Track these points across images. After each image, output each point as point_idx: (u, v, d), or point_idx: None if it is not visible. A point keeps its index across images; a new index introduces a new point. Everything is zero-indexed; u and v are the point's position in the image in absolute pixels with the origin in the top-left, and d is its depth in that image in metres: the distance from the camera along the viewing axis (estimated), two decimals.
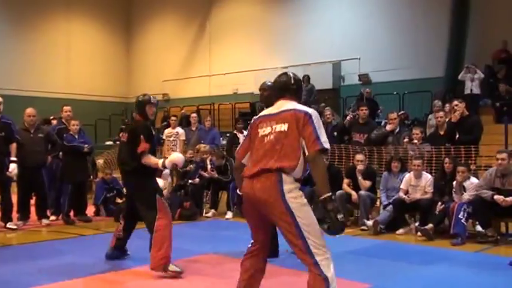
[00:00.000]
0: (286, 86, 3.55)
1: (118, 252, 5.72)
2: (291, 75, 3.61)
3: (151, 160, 5.18)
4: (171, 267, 5.03)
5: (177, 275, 5.01)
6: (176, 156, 5.38)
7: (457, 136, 8.46)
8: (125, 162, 5.37)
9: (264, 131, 3.41)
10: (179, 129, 10.73)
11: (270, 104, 3.70)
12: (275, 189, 3.21)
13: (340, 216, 3.17)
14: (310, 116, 3.30)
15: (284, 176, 3.23)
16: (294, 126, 3.29)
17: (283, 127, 3.33)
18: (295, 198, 3.22)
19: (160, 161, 5.20)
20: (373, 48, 15.12)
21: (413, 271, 5.49)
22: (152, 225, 5.06)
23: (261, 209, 3.32)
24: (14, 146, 7.71)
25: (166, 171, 6.14)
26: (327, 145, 3.23)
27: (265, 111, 3.59)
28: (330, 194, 3.18)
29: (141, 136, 5.14)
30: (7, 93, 12.53)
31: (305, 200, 3.27)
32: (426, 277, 5.21)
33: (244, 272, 3.54)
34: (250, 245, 3.57)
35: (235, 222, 8.48)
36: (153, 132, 5.47)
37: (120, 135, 5.60)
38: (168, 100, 20.15)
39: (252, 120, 3.64)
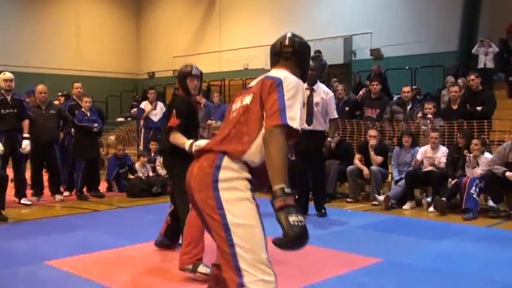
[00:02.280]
0: (278, 50, 2.70)
1: (167, 240, 5.12)
2: (288, 35, 2.73)
3: (178, 139, 4.46)
4: (201, 268, 4.13)
5: (207, 278, 3.92)
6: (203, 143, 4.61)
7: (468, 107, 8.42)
8: (163, 139, 4.79)
9: (234, 106, 2.59)
10: None
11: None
12: (207, 174, 2.35)
13: (295, 220, 2.11)
14: (279, 83, 2.38)
15: (226, 159, 2.35)
16: (258, 98, 2.43)
17: (246, 101, 2.50)
18: (231, 190, 2.31)
19: (187, 142, 4.39)
20: (385, 22, 14.93)
21: (425, 246, 5.49)
22: (185, 215, 4.28)
23: (195, 202, 2.45)
24: (26, 122, 7.76)
25: None
26: (293, 123, 2.29)
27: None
28: (283, 186, 2.16)
29: (174, 110, 4.51)
30: (18, 70, 12.56)
31: (248, 195, 2.33)
32: (437, 252, 5.22)
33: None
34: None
35: None
36: (194, 109, 4.84)
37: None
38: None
39: None
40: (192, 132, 4.58)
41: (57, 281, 4.29)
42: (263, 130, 2.34)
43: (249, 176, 2.36)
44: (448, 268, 4.61)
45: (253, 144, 2.36)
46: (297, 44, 2.70)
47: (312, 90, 6.85)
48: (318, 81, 7.04)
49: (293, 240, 2.11)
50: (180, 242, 4.69)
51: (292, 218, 2.11)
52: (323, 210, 7.02)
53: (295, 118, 2.31)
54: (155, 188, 8.86)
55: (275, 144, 2.25)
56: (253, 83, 2.61)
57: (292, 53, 2.67)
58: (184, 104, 4.66)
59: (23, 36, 18.26)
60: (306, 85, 6.83)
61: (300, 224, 2.11)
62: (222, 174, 2.32)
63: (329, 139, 7.13)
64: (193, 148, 4.21)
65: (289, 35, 2.73)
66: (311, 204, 7.13)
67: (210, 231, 2.39)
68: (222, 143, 2.42)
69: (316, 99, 6.81)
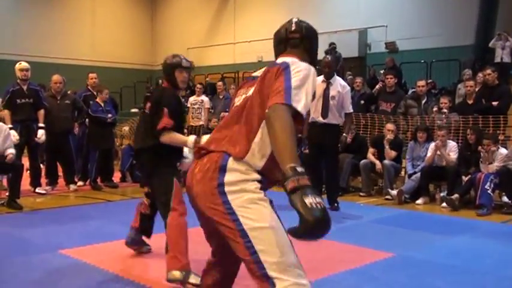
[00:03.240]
0: (285, 36, 2.43)
1: (140, 237, 4.65)
2: (294, 20, 2.48)
3: (177, 138, 3.99)
4: (193, 279, 3.70)
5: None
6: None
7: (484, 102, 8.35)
8: (143, 138, 4.17)
9: (238, 99, 2.35)
10: (204, 97, 10.75)
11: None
12: (211, 178, 2.11)
13: (313, 201, 1.80)
14: (286, 67, 2.15)
15: (231, 161, 2.11)
16: (260, 90, 2.19)
17: (250, 92, 2.27)
18: (240, 193, 2.06)
19: (190, 138, 3.96)
20: (401, 15, 14.80)
21: (438, 241, 5.47)
22: (166, 217, 3.96)
23: (198, 208, 2.22)
24: (42, 112, 7.83)
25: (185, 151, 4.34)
26: (298, 105, 2.03)
27: (256, 72, 2.47)
28: (293, 165, 1.86)
29: (165, 109, 3.93)
30: (34, 60, 12.64)
31: (260, 195, 2.09)
32: (450, 247, 5.20)
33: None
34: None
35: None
36: (182, 105, 4.36)
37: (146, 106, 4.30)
38: (192, 68, 20.13)
39: None
40: (179, 132, 4.09)
41: (72, 270, 4.34)
42: (260, 128, 2.13)
43: (258, 176, 2.12)
44: (461, 264, 4.59)
45: (254, 143, 2.13)
46: (304, 29, 2.44)
47: (328, 84, 6.82)
48: (335, 75, 7.01)
49: (314, 225, 1.77)
50: (149, 247, 4.69)
51: (309, 200, 1.78)
52: (336, 204, 7.01)
53: (300, 101, 2.04)
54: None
55: (280, 120, 1.95)
56: (258, 71, 2.38)
57: (301, 39, 2.42)
58: (176, 100, 4.15)
59: (38, 27, 18.36)
60: (322, 78, 6.84)
61: (319, 206, 1.79)
62: (228, 177, 2.08)
63: (344, 134, 7.11)
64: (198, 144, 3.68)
65: (295, 19, 2.48)
66: (324, 197, 7.12)
67: (226, 240, 2.12)
68: (222, 141, 2.18)
69: (332, 92, 6.79)
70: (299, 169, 1.85)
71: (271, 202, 2.13)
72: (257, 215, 2.04)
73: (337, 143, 7.04)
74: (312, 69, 2.20)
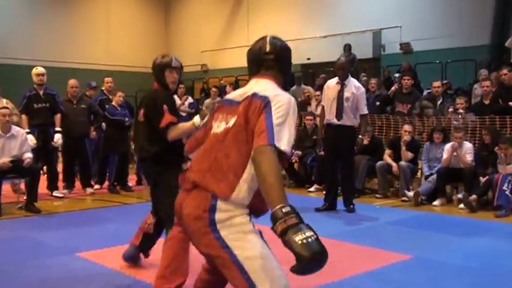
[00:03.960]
0: (259, 57, 2.43)
1: (138, 253, 4.45)
2: (268, 39, 2.46)
3: (183, 127, 3.87)
4: None
5: None
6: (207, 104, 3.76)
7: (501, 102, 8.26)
8: (143, 147, 4.04)
9: (217, 125, 2.33)
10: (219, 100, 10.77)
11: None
12: (201, 218, 2.16)
13: (304, 237, 1.84)
14: (267, 102, 2.15)
15: (219, 201, 2.15)
16: (242, 122, 2.19)
17: (231, 123, 2.24)
18: (231, 227, 2.14)
19: (194, 120, 3.86)
20: (415, 16, 14.70)
21: (455, 243, 5.42)
22: (168, 230, 3.78)
23: (191, 239, 2.32)
24: (58, 116, 7.90)
25: None
26: (280, 144, 2.05)
27: (231, 94, 2.48)
28: (280, 205, 1.90)
29: (164, 106, 3.81)
30: (50, 65, 12.76)
31: (250, 227, 2.18)
32: (468, 249, 5.14)
33: None
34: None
35: None
36: (176, 104, 4.16)
37: (139, 114, 4.13)
38: (206, 71, 20.18)
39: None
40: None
41: (89, 273, 4.36)
42: (250, 159, 2.12)
43: (246, 210, 2.20)
44: (479, 266, 4.55)
45: (243, 180, 2.15)
46: (279, 49, 2.42)
47: (343, 85, 6.80)
48: (350, 76, 6.97)
49: (310, 260, 1.82)
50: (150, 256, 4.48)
51: (299, 237, 1.83)
52: (351, 206, 6.98)
53: (283, 139, 2.06)
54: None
55: (266, 163, 1.99)
56: (236, 95, 2.36)
57: (275, 61, 2.40)
58: (171, 99, 4.06)
59: (54, 32, 18.52)
60: (337, 79, 6.82)
61: (311, 239, 1.84)
62: (219, 216, 2.14)
63: (360, 136, 7.07)
64: (200, 118, 3.80)
65: (268, 38, 2.46)
66: (339, 199, 7.09)
67: (223, 273, 2.20)
68: (207, 175, 2.19)
69: (346, 94, 6.75)
70: (285, 209, 1.89)
71: (260, 233, 2.22)
72: (249, 245, 2.14)
73: (353, 144, 7.00)
74: (292, 100, 2.21)
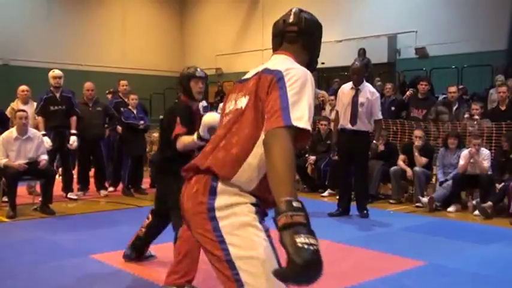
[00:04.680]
0: (281, 29, 2.19)
1: (133, 253, 4.71)
2: (294, 10, 2.22)
3: (185, 140, 3.93)
4: None
5: None
6: (209, 118, 3.78)
7: None
8: (156, 152, 4.29)
9: (228, 106, 2.13)
10: None
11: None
12: (200, 203, 1.91)
13: (305, 242, 1.54)
14: (279, 77, 1.89)
15: (220, 183, 1.91)
16: (254, 100, 1.95)
17: (241, 103, 2.01)
18: (231, 217, 1.87)
19: (194, 135, 3.88)
20: (431, 20, 14.63)
21: (470, 250, 5.37)
22: (178, 229, 3.90)
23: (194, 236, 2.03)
24: (74, 119, 7.97)
25: None
26: (300, 123, 1.78)
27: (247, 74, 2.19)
28: (289, 199, 1.62)
29: (177, 118, 3.99)
30: (66, 67, 12.88)
31: (251, 218, 1.88)
32: (483, 256, 5.10)
33: None
34: None
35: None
36: (194, 119, 4.14)
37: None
38: (221, 74, 20.24)
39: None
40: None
41: (102, 275, 4.39)
42: (259, 140, 1.87)
43: (252, 199, 1.92)
44: (494, 273, 4.50)
45: (246, 163, 1.90)
46: (304, 22, 2.16)
47: (357, 90, 6.78)
48: (364, 81, 6.94)
49: (302, 269, 1.50)
50: (147, 254, 4.78)
51: (301, 240, 1.53)
52: (365, 211, 6.95)
53: (302, 117, 1.80)
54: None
55: (278, 148, 1.72)
56: (249, 74, 2.11)
57: (298, 33, 2.15)
58: (188, 111, 4.17)
59: (71, 35, 18.70)
60: (351, 85, 6.80)
61: (310, 247, 1.53)
62: (219, 201, 1.89)
63: (375, 142, 7.02)
64: (201, 132, 3.80)
65: (294, 9, 2.20)
66: (353, 204, 7.06)
67: (214, 269, 1.93)
68: (208, 158, 1.95)
69: (361, 99, 6.73)
70: (295, 204, 1.61)
71: (267, 230, 1.91)
72: (246, 242, 1.85)
73: (367, 149, 6.97)
74: (309, 74, 1.94)
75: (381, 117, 7.00)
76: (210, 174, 1.92)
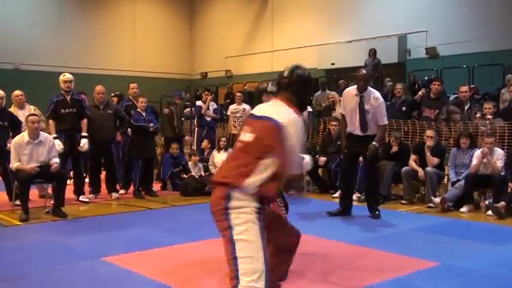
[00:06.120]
0: (278, 79, 3.07)
1: None
2: (290, 66, 3.08)
3: None
4: None
5: None
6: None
7: None
8: None
9: (241, 135, 2.94)
10: (245, 106, 10.76)
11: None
12: (220, 204, 2.78)
13: None
14: (281, 128, 2.79)
15: (234, 192, 2.75)
16: (256, 140, 2.82)
17: (247, 138, 2.87)
18: (239, 214, 2.74)
19: None
20: (441, 20, 14.54)
21: (483, 250, 5.32)
22: None
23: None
24: (84, 121, 8.00)
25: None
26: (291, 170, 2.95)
27: (256, 109, 3.05)
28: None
29: None
30: (76, 71, 12.96)
31: (252, 217, 2.73)
32: (497, 256, 5.05)
33: None
34: None
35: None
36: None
37: None
38: (231, 76, 20.27)
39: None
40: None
41: (115, 277, 4.39)
42: (258, 165, 2.75)
43: (256, 204, 2.75)
44: (508, 274, 4.46)
45: (253, 176, 2.74)
46: (295, 76, 3.00)
47: (362, 97, 6.68)
48: (369, 87, 6.80)
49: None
50: None
51: None
52: (377, 212, 6.91)
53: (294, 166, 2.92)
54: (208, 187, 8.95)
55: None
56: (259, 112, 2.95)
57: (289, 84, 2.99)
58: None
59: (81, 39, 18.83)
60: (355, 91, 6.70)
61: None
62: (232, 204, 2.75)
63: (374, 143, 6.78)
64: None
65: (291, 66, 3.06)
66: (363, 205, 7.03)
67: (224, 244, 2.77)
68: (226, 175, 2.82)
69: (366, 106, 6.64)
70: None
71: (262, 224, 2.77)
72: (245, 231, 2.71)
73: (377, 152, 6.89)
74: (299, 122, 2.87)
75: (386, 122, 6.87)
76: (228, 187, 2.76)
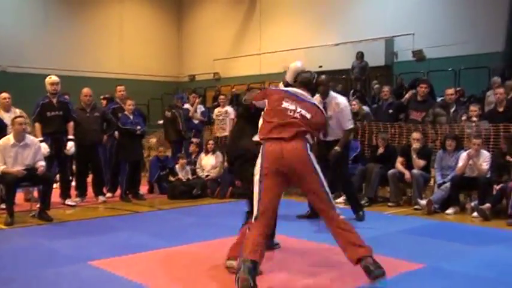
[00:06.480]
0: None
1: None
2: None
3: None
4: (228, 263, 4.50)
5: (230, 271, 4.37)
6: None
7: None
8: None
9: (288, 107, 4.21)
10: (228, 108, 10.77)
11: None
12: (302, 150, 4.08)
13: None
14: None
15: (307, 145, 4.15)
16: (309, 122, 4.20)
17: (308, 115, 4.19)
18: (312, 155, 4.12)
19: None
20: (428, 23, 14.65)
21: (469, 252, 5.36)
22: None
23: (288, 168, 4.05)
24: (71, 124, 7.95)
25: None
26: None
27: (298, 92, 4.35)
28: None
29: None
30: (63, 73, 12.86)
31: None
32: (482, 258, 5.08)
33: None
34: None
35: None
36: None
37: None
38: (218, 79, 20.24)
39: (270, 89, 4.50)
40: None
41: (101, 281, 4.37)
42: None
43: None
44: (493, 275, 4.49)
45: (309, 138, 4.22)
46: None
47: (324, 103, 6.56)
48: (331, 92, 6.75)
49: None
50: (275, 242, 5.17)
51: None
52: (360, 213, 6.85)
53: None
54: (195, 190, 8.94)
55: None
56: (301, 94, 4.35)
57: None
58: None
59: (68, 41, 18.71)
60: (319, 98, 6.61)
61: None
62: (309, 150, 4.13)
63: (336, 148, 6.71)
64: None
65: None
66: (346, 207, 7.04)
67: (306, 184, 4.15)
68: (298, 135, 4.11)
69: (329, 112, 6.51)
70: None
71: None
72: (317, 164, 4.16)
73: (343, 155, 6.87)
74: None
75: (349, 127, 6.79)
76: (302, 141, 4.15)
